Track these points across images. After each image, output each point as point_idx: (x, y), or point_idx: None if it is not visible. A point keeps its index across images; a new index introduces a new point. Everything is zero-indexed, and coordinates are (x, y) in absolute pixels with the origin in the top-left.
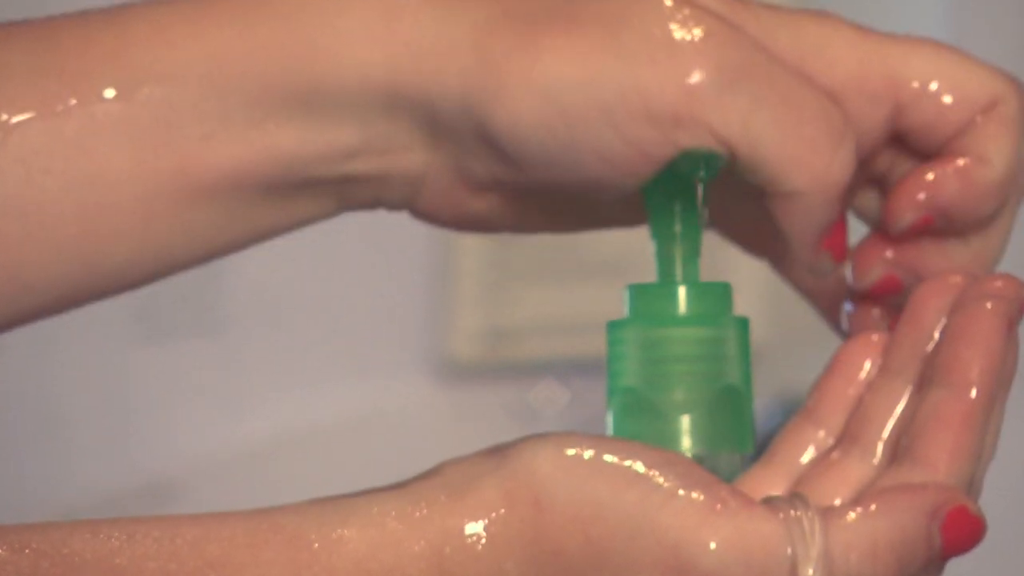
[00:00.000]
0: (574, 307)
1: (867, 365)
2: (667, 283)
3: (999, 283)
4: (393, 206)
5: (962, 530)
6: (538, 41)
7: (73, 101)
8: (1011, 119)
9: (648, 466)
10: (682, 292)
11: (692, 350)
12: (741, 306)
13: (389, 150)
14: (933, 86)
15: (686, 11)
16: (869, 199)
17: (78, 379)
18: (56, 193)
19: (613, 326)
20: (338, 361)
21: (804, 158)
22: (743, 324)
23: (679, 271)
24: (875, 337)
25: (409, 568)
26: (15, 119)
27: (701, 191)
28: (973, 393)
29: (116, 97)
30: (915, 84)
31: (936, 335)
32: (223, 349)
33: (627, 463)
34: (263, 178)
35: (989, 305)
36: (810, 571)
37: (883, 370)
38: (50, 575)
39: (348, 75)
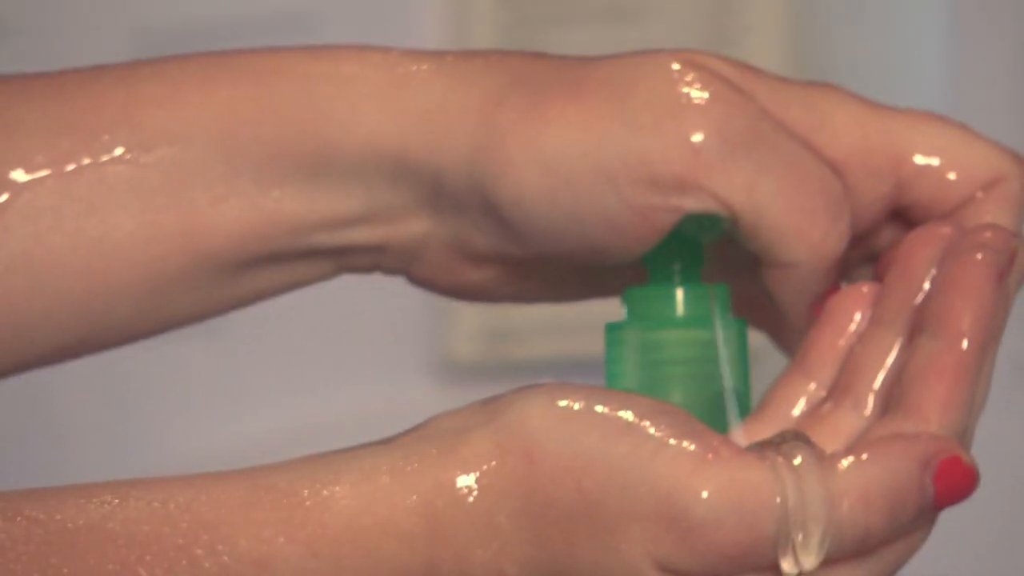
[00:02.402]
0: (574, 307)
1: (857, 316)
2: (665, 286)
3: (989, 233)
4: (391, 272)
5: (955, 479)
6: (545, 111)
7: (85, 160)
8: (1012, 197)
9: (640, 416)
10: (680, 295)
11: (690, 352)
12: None
13: (391, 219)
14: (935, 162)
15: (692, 75)
16: (868, 275)
17: (78, 379)
18: (64, 251)
19: (611, 328)
20: (338, 361)
21: (803, 229)
22: (741, 326)
23: None
24: (865, 288)
25: (402, 522)
26: (26, 177)
27: (704, 252)
28: (964, 344)
29: (126, 157)
30: (918, 160)
31: (926, 285)
32: (223, 349)
33: (619, 413)
34: (267, 244)
35: (979, 255)
36: (801, 520)
37: (874, 321)
38: (44, 542)
39: (356, 143)
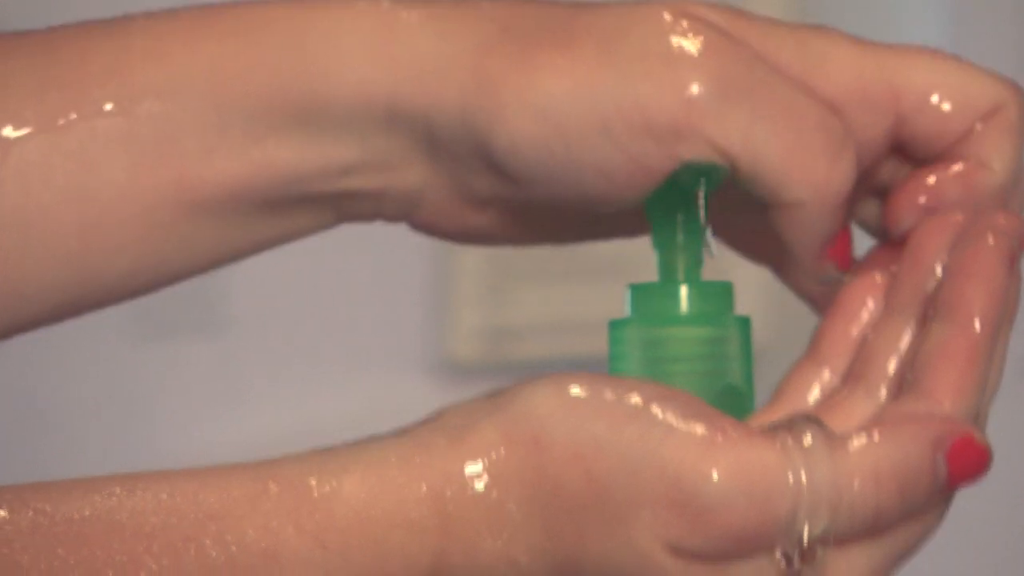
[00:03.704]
0: (574, 307)
1: (870, 305)
2: (669, 282)
3: (1001, 219)
4: (392, 219)
5: (968, 459)
6: (535, 59)
7: (73, 115)
8: (1012, 125)
9: (647, 401)
10: (684, 291)
11: (694, 350)
12: (743, 305)
13: (387, 167)
14: (934, 96)
15: (685, 23)
16: (872, 209)
17: (77, 378)
18: (56, 206)
19: (615, 325)
20: (338, 361)
21: (805, 168)
22: (745, 323)
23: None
24: (878, 277)
25: (411, 512)
26: (16, 133)
27: (702, 203)
28: (977, 327)
29: (116, 111)
30: (916, 94)
31: (938, 272)
32: (223, 349)
33: (626, 399)
34: (262, 193)
35: (991, 240)
36: (812, 499)
37: (887, 309)
38: (50, 533)
39: (347, 92)
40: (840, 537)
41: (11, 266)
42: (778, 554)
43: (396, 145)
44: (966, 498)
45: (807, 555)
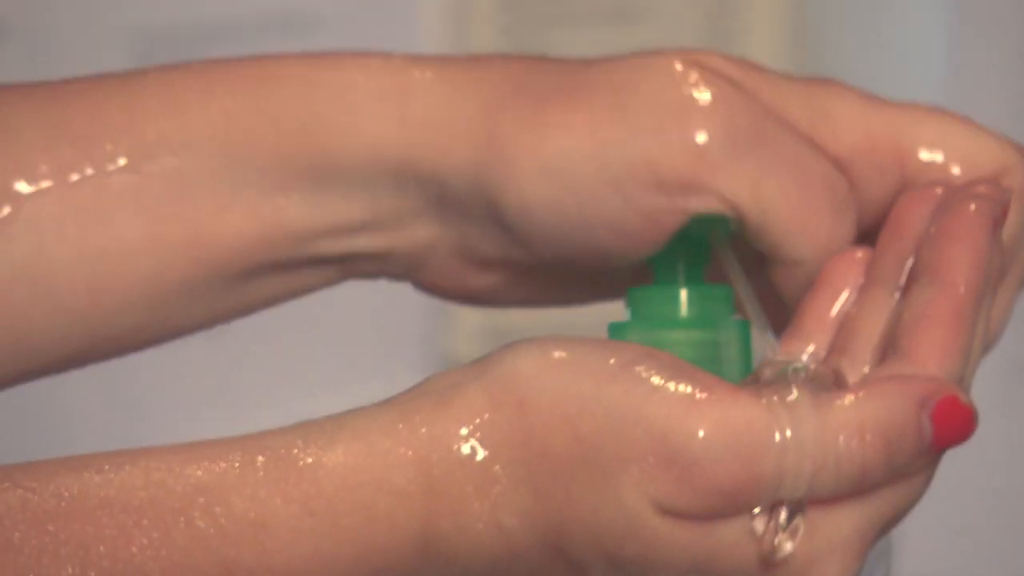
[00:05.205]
0: (574, 308)
1: (851, 280)
2: (668, 286)
3: (982, 187)
4: (396, 277)
5: (953, 419)
6: (547, 117)
7: (88, 170)
8: (1017, 188)
9: (631, 360)
10: (683, 295)
11: (692, 353)
12: None
13: (396, 225)
14: (939, 157)
15: (695, 75)
16: None
17: (77, 379)
18: (67, 261)
19: (614, 328)
20: (338, 362)
21: (808, 227)
22: (744, 327)
23: None
24: (859, 253)
25: (397, 478)
26: (29, 186)
27: (729, 254)
28: (961, 289)
29: (129, 166)
30: (922, 155)
31: (920, 243)
32: (223, 350)
33: (609, 359)
34: (272, 252)
35: (973, 205)
36: (797, 455)
37: (868, 281)
38: (40, 510)
39: (359, 150)
40: (826, 496)
41: (20, 318)
42: (762, 513)
43: (406, 204)
44: (966, 496)
45: (792, 513)
